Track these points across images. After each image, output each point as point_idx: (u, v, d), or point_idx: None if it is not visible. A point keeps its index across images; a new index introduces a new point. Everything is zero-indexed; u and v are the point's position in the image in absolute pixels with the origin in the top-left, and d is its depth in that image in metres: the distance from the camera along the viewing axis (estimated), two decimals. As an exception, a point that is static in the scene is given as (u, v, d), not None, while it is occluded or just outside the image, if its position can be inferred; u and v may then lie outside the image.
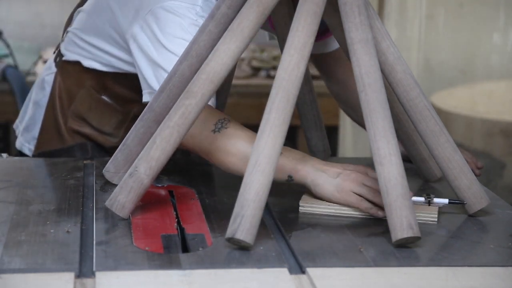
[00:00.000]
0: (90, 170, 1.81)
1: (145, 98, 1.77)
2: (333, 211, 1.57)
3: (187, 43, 1.62)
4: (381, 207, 1.52)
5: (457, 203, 1.59)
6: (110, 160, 1.69)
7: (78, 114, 2.03)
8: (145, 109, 1.63)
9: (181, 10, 1.74)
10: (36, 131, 2.09)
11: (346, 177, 1.58)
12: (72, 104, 2.03)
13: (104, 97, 2.01)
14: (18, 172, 1.80)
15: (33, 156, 2.06)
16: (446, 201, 1.59)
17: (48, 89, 2.07)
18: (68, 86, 2.02)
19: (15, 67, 3.50)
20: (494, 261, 1.39)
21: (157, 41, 1.74)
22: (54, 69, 2.05)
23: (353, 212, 1.56)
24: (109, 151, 1.99)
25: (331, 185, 1.58)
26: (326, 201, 1.58)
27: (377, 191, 1.53)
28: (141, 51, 1.77)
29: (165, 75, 1.67)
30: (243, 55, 3.53)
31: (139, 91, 1.81)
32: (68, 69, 2.02)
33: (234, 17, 1.52)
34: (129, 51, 1.84)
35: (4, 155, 1.93)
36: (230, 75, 1.72)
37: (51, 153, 2.05)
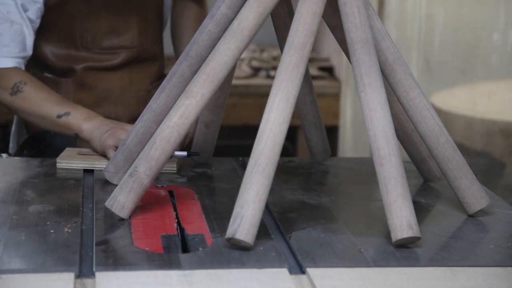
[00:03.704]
0: (90, 170, 1.81)
1: None
2: (87, 165, 1.83)
3: None
4: None
5: (194, 154, 1.83)
6: (110, 160, 1.69)
7: None
8: (145, 109, 1.63)
9: None
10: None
11: (111, 134, 1.84)
12: None
13: (46, 74, 2.13)
14: (18, 172, 1.80)
15: (14, 153, 2.13)
16: (185, 153, 1.80)
17: None
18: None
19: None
20: (494, 261, 1.39)
21: None
22: None
23: (104, 165, 1.75)
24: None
25: (99, 140, 1.86)
26: (99, 154, 1.86)
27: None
28: None
29: None
30: (243, 55, 3.53)
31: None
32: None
33: (234, 17, 1.52)
34: None
35: (4, 155, 1.93)
36: (230, 75, 1.73)
37: (21, 148, 2.11)
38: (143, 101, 2.14)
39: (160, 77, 2.23)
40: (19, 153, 2.18)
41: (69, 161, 1.84)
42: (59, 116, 1.93)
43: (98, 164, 1.83)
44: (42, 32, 2.06)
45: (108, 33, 2.11)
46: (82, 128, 1.91)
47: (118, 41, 2.12)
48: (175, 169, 1.82)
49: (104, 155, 1.86)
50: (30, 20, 2.00)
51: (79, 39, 2.09)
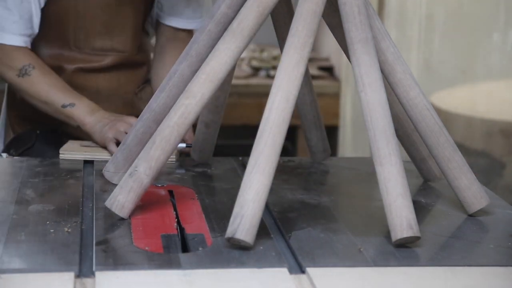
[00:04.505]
0: (90, 170, 1.81)
1: None
2: (89, 156, 1.87)
3: None
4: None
5: (189, 146, 1.88)
6: (110, 160, 1.69)
7: (20, 100, 2.13)
8: (144, 109, 1.63)
9: None
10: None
11: (111, 126, 1.89)
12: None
13: None
14: (18, 172, 1.80)
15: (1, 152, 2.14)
16: (183, 145, 1.89)
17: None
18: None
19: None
20: (494, 261, 1.39)
21: None
22: None
23: (106, 156, 1.83)
24: (56, 128, 2.12)
25: (99, 134, 1.91)
26: (101, 146, 1.89)
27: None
28: None
29: None
30: (243, 55, 3.53)
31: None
32: None
33: (234, 17, 1.52)
34: None
35: (4, 155, 1.93)
36: (230, 75, 1.73)
37: (7, 148, 2.12)
38: (130, 104, 2.16)
39: (146, 80, 2.23)
40: (6, 152, 2.18)
41: (72, 152, 1.87)
42: (63, 106, 1.97)
43: (100, 155, 1.87)
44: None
45: (102, 34, 2.10)
46: (85, 121, 1.95)
47: (111, 43, 2.12)
48: (174, 159, 1.86)
49: (105, 148, 1.89)
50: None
51: (72, 37, 2.09)
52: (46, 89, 1.98)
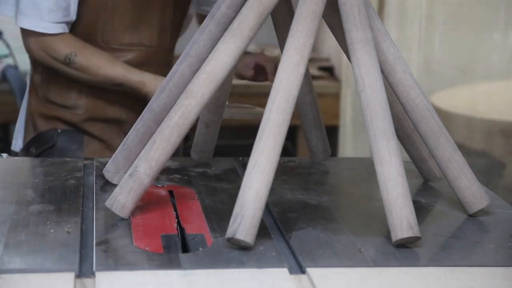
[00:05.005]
0: (90, 170, 1.81)
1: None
2: None
3: None
4: None
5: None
6: (110, 160, 1.69)
7: (43, 97, 2.12)
8: (145, 109, 1.63)
9: None
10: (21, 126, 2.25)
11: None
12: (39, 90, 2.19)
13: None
14: (18, 172, 1.80)
15: (21, 150, 2.13)
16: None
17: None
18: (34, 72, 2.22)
19: (15, 67, 3.50)
20: (494, 261, 1.39)
21: None
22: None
23: None
24: (79, 127, 2.16)
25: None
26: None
27: None
28: None
29: None
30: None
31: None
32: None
33: (234, 17, 1.52)
34: None
35: (4, 155, 1.93)
36: (230, 75, 1.73)
37: (27, 145, 2.12)
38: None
39: None
40: (25, 150, 2.18)
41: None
42: (116, 79, 2.09)
43: None
44: None
45: (130, 29, 2.11)
46: (144, 80, 2.07)
47: (139, 37, 2.13)
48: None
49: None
50: None
51: (100, 33, 2.11)
52: (94, 73, 2.08)
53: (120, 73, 2.07)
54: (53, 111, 2.15)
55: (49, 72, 2.13)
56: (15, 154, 2.23)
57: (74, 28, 2.10)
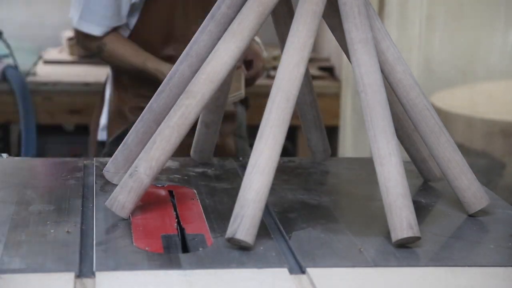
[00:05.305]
0: (90, 170, 1.81)
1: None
2: None
3: None
4: None
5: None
6: (110, 160, 1.69)
7: (133, 92, 2.41)
8: (145, 109, 1.63)
9: None
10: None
11: None
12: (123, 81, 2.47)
13: None
14: (18, 172, 1.80)
15: (109, 143, 2.44)
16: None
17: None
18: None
19: (15, 67, 3.50)
20: (494, 261, 1.39)
21: None
22: None
23: None
24: None
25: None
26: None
27: None
28: None
29: None
30: (243, 55, 3.52)
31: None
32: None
33: (234, 17, 1.52)
34: None
35: (4, 155, 1.93)
36: (230, 75, 1.73)
37: (119, 137, 2.22)
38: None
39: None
40: (115, 143, 2.28)
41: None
42: (137, 72, 2.38)
43: None
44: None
45: (202, 18, 2.17)
46: (162, 69, 2.32)
47: None
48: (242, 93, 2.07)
49: None
50: None
51: (175, 30, 2.25)
52: (122, 60, 2.39)
53: (140, 62, 2.34)
54: (143, 104, 2.22)
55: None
56: (102, 144, 2.51)
57: (147, 29, 2.36)
